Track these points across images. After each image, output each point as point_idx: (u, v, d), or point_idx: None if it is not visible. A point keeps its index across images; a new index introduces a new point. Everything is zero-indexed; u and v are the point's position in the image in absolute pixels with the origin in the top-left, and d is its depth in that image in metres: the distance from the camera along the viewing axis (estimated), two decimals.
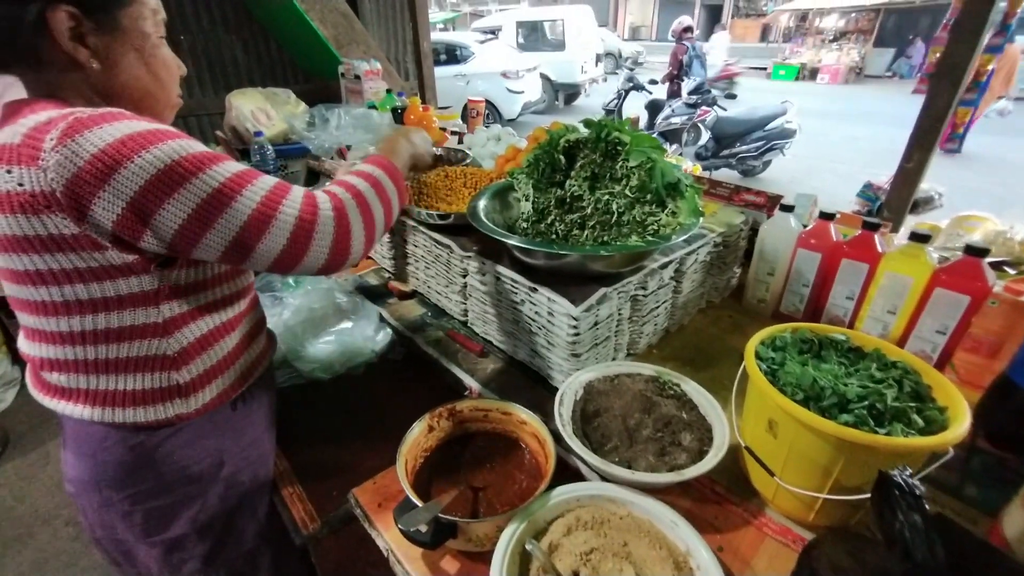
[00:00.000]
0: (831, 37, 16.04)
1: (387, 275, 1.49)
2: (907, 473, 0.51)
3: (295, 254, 0.68)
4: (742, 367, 0.74)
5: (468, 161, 1.50)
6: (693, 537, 0.66)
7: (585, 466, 0.81)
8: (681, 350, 1.11)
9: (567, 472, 0.82)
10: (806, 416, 0.63)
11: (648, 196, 0.97)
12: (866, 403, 0.65)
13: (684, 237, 0.91)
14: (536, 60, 8.86)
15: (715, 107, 5.79)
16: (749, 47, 19.77)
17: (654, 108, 6.36)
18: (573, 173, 1.05)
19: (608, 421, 0.81)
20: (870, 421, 0.63)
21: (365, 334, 1.23)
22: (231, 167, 0.65)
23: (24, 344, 0.76)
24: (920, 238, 0.93)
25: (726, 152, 5.62)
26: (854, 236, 1.04)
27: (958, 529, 0.56)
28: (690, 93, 5.99)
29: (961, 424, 0.62)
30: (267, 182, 0.67)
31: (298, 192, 0.70)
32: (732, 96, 5.96)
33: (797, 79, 13.69)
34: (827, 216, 1.08)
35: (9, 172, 0.59)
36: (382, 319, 1.29)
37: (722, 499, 0.78)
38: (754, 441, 0.75)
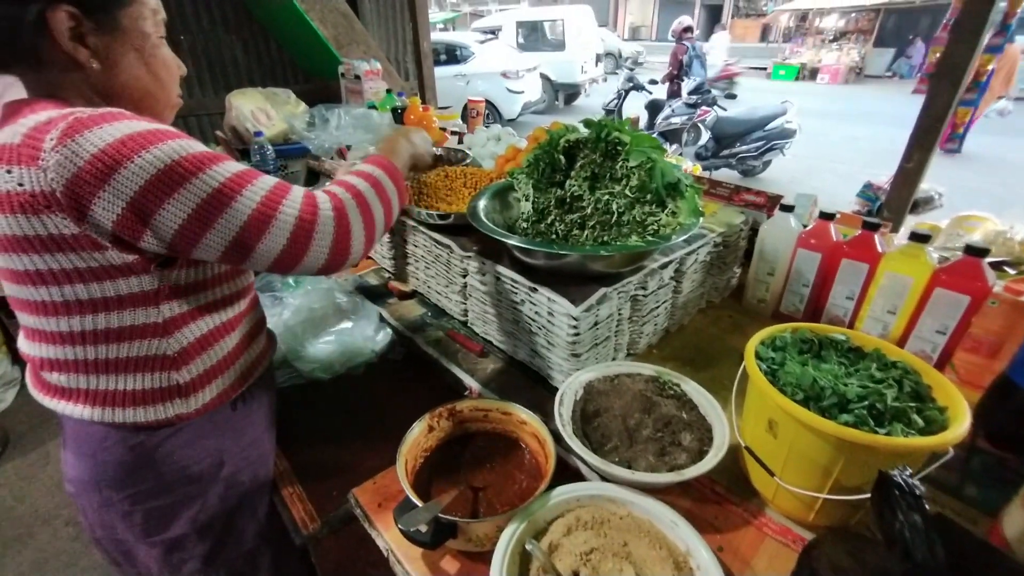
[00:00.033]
0: (831, 37, 16.04)
1: (387, 275, 1.49)
2: (907, 473, 0.51)
3: (295, 254, 0.68)
4: (742, 367, 0.74)
5: (468, 161, 1.50)
6: (693, 537, 0.66)
7: (585, 466, 0.81)
8: (681, 350, 1.11)
9: (567, 472, 0.82)
10: (806, 416, 0.63)
11: (648, 196, 0.97)
12: (866, 403, 0.65)
13: (684, 237, 0.91)
14: (536, 60, 8.86)
15: (715, 107, 5.79)
16: (749, 47, 19.78)
17: (654, 108, 6.36)
18: (573, 173, 1.05)
19: (608, 421, 0.81)
20: (870, 421, 0.63)
21: (365, 334, 1.22)
22: (231, 167, 0.65)
23: (24, 344, 0.76)
24: (920, 238, 0.93)
25: (726, 152, 5.62)
26: (854, 236, 1.04)
27: (958, 529, 0.56)
28: (690, 93, 5.99)
29: (961, 424, 0.62)
30: (267, 182, 0.67)
31: (298, 192, 0.70)
32: (732, 96, 5.96)
33: (797, 79, 13.69)
34: (827, 216, 1.08)
35: (9, 172, 0.59)
36: (382, 319, 1.29)
37: (722, 499, 0.78)
38: (754, 441, 0.75)
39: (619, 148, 1.00)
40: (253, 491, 0.92)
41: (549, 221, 1.04)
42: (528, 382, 1.03)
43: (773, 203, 1.29)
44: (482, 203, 1.07)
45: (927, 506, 0.49)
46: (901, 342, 0.96)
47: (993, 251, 1.07)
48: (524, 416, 0.86)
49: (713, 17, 23.25)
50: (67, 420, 0.78)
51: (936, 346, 0.92)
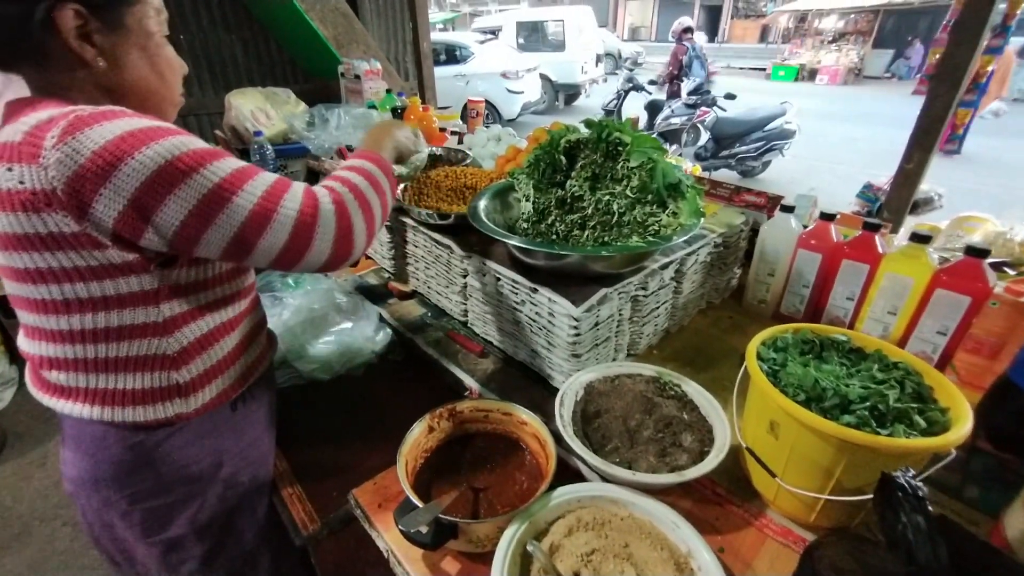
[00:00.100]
0: (830, 38, 16.05)
1: (387, 275, 1.49)
2: (910, 474, 0.51)
3: (298, 251, 0.68)
4: (743, 368, 0.74)
5: (468, 161, 1.50)
6: (694, 538, 0.66)
7: (586, 467, 0.81)
8: (681, 351, 1.11)
9: (568, 473, 0.82)
10: (808, 417, 0.63)
11: (649, 197, 0.97)
12: (868, 404, 0.65)
13: (685, 238, 0.91)
14: (536, 60, 8.86)
15: (715, 108, 5.79)
16: (748, 48, 19.80)
17: (654, 108, 6.36)
18: (574, 173, 1.05)
19: (609, 422, 0.81)
20: (872, 422, 0.63)
21: (365, 334, 1.22)
22: (231, 164, 0.65)
23: (24, 342, 0.76)
24: (920, 239, 0.93)
25: (725, 153, 5.63)
26: (854, 237, 1.04)
27: (960, 531, 0.56)
28: (690, 94, 5.99)
29: (963, 425, 0.61)
30: (267, 179, 0.67)
31: (298, 188, 0.69)
32: (732, 96, 5.96)
33: (796, 80, 13.70)
34: (827, 217, 1.08)
35: (10, 170, 0.59)
36: (382, 319, 1.28)
37: (723, 500, 0.78)
38: (755, 442, 0.75)
39: (620, 148, 1.00)
40: (253, 491, 0.92)
41: (550, 221, 1.04)
42: (528, 383, 1.03)
43: (773, 204, 1.29)
44: (482, 203, 1.07)
45: (930, 508, 0.49)
46: (901, 343, 0.96)
47: (993, 252, 1.07)
48: (525, 417, 0.86)
49: (713, 18, 23.29)
50: (66, 419, 0.77)
51: (937, 347, 0.92)
